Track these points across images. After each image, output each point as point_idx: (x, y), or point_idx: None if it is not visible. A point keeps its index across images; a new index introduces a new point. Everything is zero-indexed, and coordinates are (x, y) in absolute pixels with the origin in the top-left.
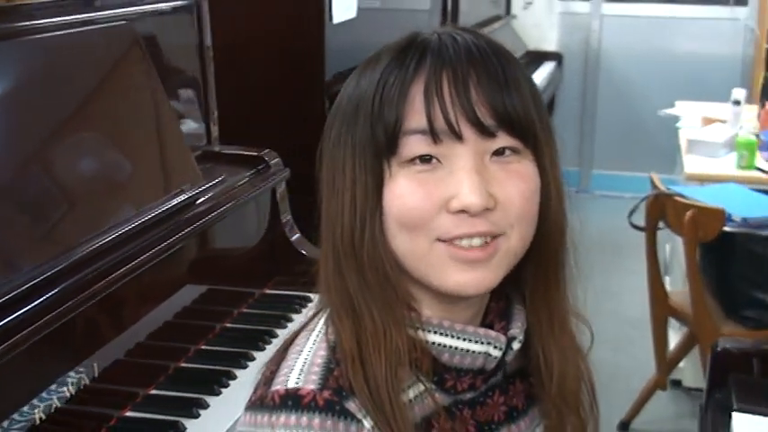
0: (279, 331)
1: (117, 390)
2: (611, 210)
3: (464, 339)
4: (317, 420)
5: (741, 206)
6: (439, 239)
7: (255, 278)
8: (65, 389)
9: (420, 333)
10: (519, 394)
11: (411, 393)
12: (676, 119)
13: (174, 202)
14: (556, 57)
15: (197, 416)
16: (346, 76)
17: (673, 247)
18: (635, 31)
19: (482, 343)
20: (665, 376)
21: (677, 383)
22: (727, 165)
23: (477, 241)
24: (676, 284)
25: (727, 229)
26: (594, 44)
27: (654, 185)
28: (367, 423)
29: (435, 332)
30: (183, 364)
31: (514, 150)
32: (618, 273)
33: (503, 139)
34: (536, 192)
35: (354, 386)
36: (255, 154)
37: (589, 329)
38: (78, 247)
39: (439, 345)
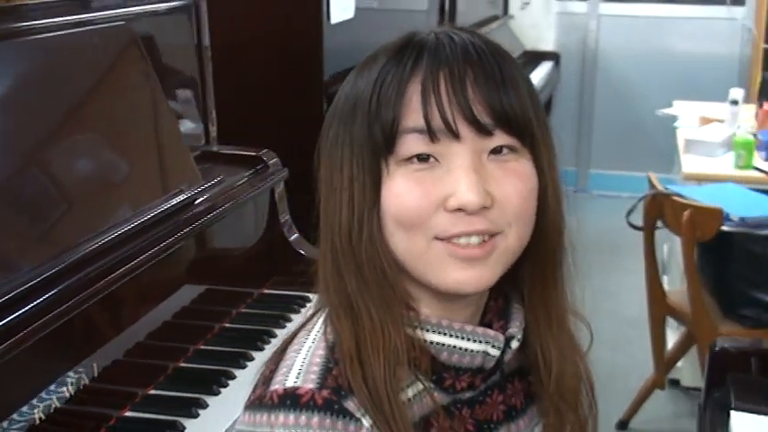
0: (277, 331)
1: (116, 390)
2: (608, 209)
3: (462, 338)
4: (315, 419)
5: (739, 206)
6: (437, 238)
7: (254, 278)
8: (64, 389)
9: (418, 332)
10: (518, 393)
11: (410, 392)
12: (674, 118)
13: (173, 202)
14: (553, 57)
15: (196, 416)
16: (344, 77)
17: (671, 246)
18: (632, 30)
19: (480, 342)
20: (663, 375)
21: (675, 383)
22: (724, 164)
23: (474, 239)
24: (674, 284)
25: (724, 228)
26: (592, 44)
27: (652, 185)
28: (366, 422)
29: (434, 331)
30: (182, 364)
31: (512, 149)
32: (616, 272)
33: (500, 138)
34: (533, 190)
35: (353, 385)
36: (254, 154)
37: (588, 328)
38: (77, 247)
39: (437, 344)
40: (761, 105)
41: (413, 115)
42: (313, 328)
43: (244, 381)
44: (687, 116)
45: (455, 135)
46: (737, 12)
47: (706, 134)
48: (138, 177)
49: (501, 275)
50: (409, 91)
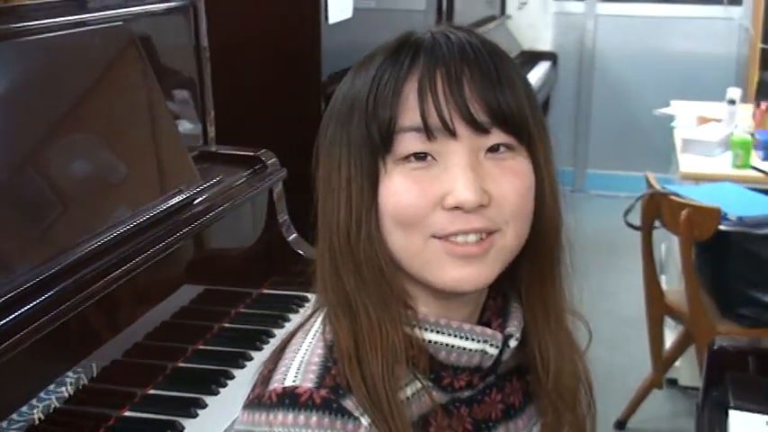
0: (276, 331)
1: (115, 390)
2: (606, 209)
3: (461, 337)
4: (314, 418)
5: (736, 205)
6: (434, 236)
7: (253, 278)
8: (63, 389)
9: (417, 331)
10: (516, 392)
11: (408, 391)
12: (671, 118)
13: (172, 202)
14: (551, 57)
15: (195, 415)
16: (342, 77)
17: (668, 246)
18: (630, 30)
19: (479, 341)
20: (661, 375)
21: (673, 382)
22: (722, 164)
23: (472, 237)
24: (672, 283)
25: (722, 227)
26: (589, 44)
27: (649, 185)
28: (364, 421)
29: (432, 330)
30: (181, 364)
31: (509, 147)
32: (614, 272)
33: (497, 136)
34: (530, 188)
35: (352, 384)
36: (252, 154)
37: (586, 327)
38: (76, 247)
39: (435, 342)
40: (758, 105)
41: (410, 114)
42: (311, 327)
43: (243, 380)
44: (684, 116)
45: (452, 133)
46: (735, 11)
47: (703, 134)
48: (136, 178)
49: (499, 274)
50: (406, 90)
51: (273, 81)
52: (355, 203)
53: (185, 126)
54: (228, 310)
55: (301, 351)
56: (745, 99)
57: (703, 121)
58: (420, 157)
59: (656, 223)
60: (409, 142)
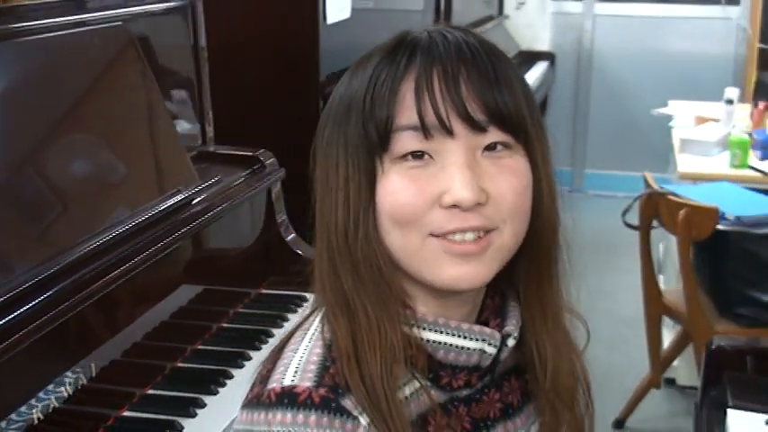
0: (275, 331)
1: (114, 390)
2: (604, 209)
3: (459, 336)
4: (313, 417)
5: (734, 205)
6: (432, 234)
7: (251, 278)
8: (62, 389)
9: (415, 330)
10: (514, 391)
11: (407, 390)
12: (669, 118)
13: (170, 202)
14: (548, 57)
15: (194, 415)
16: (340, 77)
17: (666, 245)
18: (627, 30)
19: (477, 340)
20: (659, 375)
21: (671, 382)
22: (720, 163)
23: (469, 236)
24: (670, 283)
25: (720, 227)
26: (587, 44)
27: (647, 184)
28: (363, 420)
29: (430, 329)
30: (180, 364)
31: (506, 145)
32: (612, 272)
33: (494, 134)
34: (528, 187)
35: (350, 383)
36: (251, 154)
37: (584, 326)
38: (74, 247)
39: (434, 342)
40: (756, 105)
41: (407, 113)
42: (310, 327)
43: (241, 380)
44: (682, 116)
45: (449, 132)
46: (732, 11)
47: (701, 133)
48: (134, 178)
49: (497, 273)
50: (403, 89)
51: (272, 81)
52: (353, 203)
53: (183, 126)
54: (227, 310)
55: (300, 350)
56: (742, 99)
57: (701, 120)
58: (417, 155)
59: (654, 223)
60: (406, 141)
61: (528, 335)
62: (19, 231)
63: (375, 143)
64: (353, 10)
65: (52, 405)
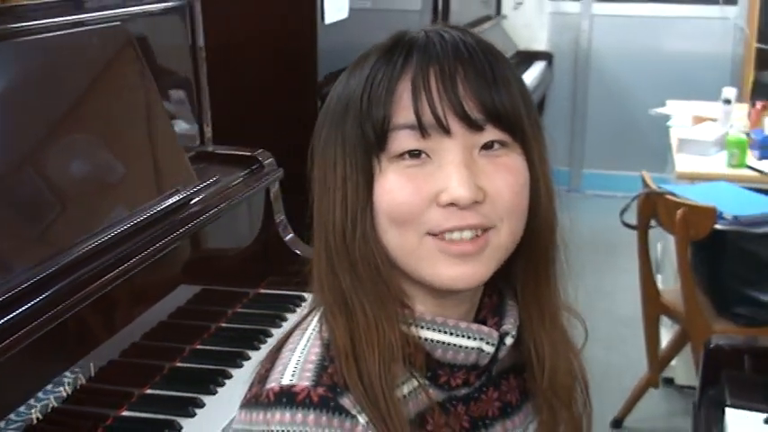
0: (273, 330)
1: (113, 390)
2: (602, 209)
3: (457, 335)
4: (311, 417)
5: (732, 204)
6: (429, 233)
7: (249, 278)
8: (61, 389)
9: (413, 329)
10: (513, 390)
11: (405, 389)
12: (667, 118)
13: (168, 202)
14: (546, 57)
15: (193, 415)
16: (338, 77)
17: (664, 245)
18: (625, 30)
19: (475, 339)
20: (657, 374)
21: (669, 381)
22: (717, 163)
23: (467, 234)
24: (668, 282)
25: (718, 227)
26: (585, 44)
27: (645, 184)
28: (361, 419)
29: (428, 328)
30: (179, 364)
31: (503, 144)
32: (610, 271)
33: (491, 133)
34: (525, 185)
35: (349, 382)
36: (249, 154)
37: (582, 325)
38: (73, 247)
39: (432, 340)
40: (753, 104)
41: (403, 112)
42: (308, 326)
43: (240, 380)
44: (680, 115)
45: (446, 130)
46: (730, 11)
47: (699, 133)
48: (133, 178)
49: (495, 271)
50: (399, 88)
51: (270, 81)
52: (350, 202)
53: (182, 126)
54: (226, 310)
55: (298, 350)
56: (740, 98)
57: (699, 120)
58: (414, 154)
59: (652, 223)
60: (403, 140)
61: (526, 333)
62: (17, 231)
63: (372, 142)
64: (351, 10)
65: (51, 405)
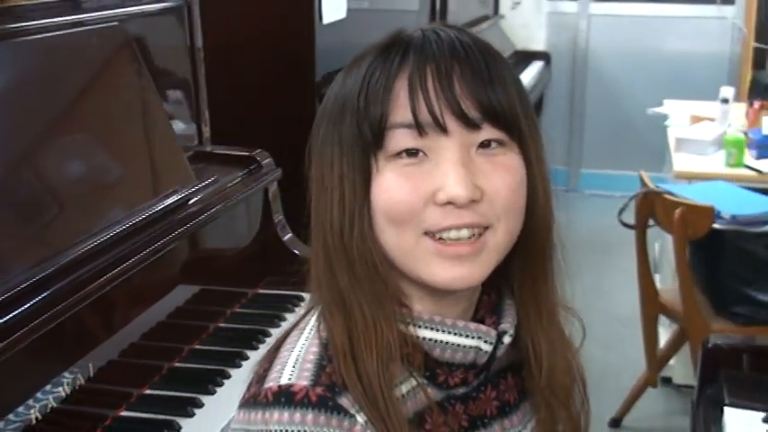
0: (272, 330)
1: (112, 390)
2: (600, 208)
3: (455, 334)
4: (310, 416)
5: (730, 203)
6: (426, 233)
7: (248, 278)
8: (60, 389)
9: (411, 328)
10: (511, 389)
11: (404, 388)
12: (665, 117)
13: (167, 202)
14: (544, 56)
15: (192, 415)
16: (336, 77)
17: (662, 244)
18: (623, 30)
19: (473, 338)
20: (655, 374)
21: (667, 381)
22: (715, 162)
23: (465, 233)
24: (666, 282)
25: (716, 226)
26: (582, 44)
27: (643, 183)
28: (360, 418)
29: (426, 327)
30: (178, 364)
31: (500, 143)
32: (608, 271)
33: (488, 132)
34: (522, 184)
35: (347, 382)
36: (247, 154)
37: (580, 324)
38: (71, 248)
39: (430, 339)
40: (751, 104)
41: (400, 111)
42: (306, 326)
43: (239, 380)
44: (678, 115)
45: (443, 129)
46: (727, 11)
47: (697, 133)
48: (131, 178)
49: (493, 270)
50: (396, 87)
51: (268, 81)
52: (348, 201)
53: (180, 126)
54: (224, 310)
55: (296, 349)
56: (738, 98)
57: (697, 120)
58: (411, 153)
59: (650, 222)
60: (400, 139)
61: (523, 331)
62: (15, 231)
63: (369, 141)
64: (349, 10)
65: (50, 405)
